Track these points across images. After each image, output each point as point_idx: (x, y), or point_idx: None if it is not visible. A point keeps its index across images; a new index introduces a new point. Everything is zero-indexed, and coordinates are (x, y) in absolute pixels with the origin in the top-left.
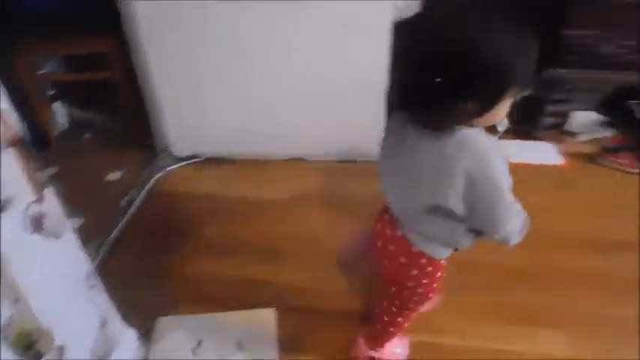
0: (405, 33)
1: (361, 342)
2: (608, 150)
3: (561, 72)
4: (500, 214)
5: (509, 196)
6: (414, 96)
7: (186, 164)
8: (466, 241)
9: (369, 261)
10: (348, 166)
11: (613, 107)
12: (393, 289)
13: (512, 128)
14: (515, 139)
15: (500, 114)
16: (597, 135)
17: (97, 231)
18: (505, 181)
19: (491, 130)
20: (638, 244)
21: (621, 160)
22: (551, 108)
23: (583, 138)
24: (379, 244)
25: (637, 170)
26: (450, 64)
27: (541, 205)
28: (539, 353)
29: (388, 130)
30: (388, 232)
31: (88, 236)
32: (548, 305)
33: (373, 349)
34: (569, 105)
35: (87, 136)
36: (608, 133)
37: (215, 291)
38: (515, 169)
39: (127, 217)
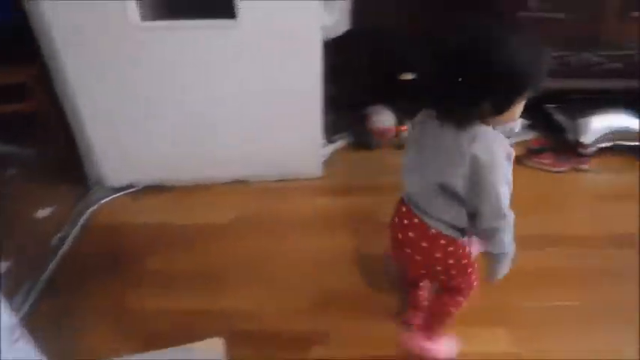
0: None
1: (415, 334)
2: (533, 151)
3: None
4: (497, 200)
5: (506, 195)
6: (437, 96)
7: (123, 194)
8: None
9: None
10: (288, 184)
11: (534, 111)
12: (422, 282)
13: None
14: None
15: (515, 115)
16: (523, 138)
17: (26, 274)
18: (503, 174)
19: (509, 130)
20: (569, 237)
21: (544, 161)
22: None
23: (510, 142)
24: (400, 236)
25: (558, 169)
26: (468, 68)
27: None
28: (481, 353)
29: (415, 123)
30: (406, 221)
31: (16, 281)
32: (488, 304)
33: (429, 338)
34: None
35: (10, 172)
36: (531, 136)
37: (160, 326)
38: None
39: (60, 255)
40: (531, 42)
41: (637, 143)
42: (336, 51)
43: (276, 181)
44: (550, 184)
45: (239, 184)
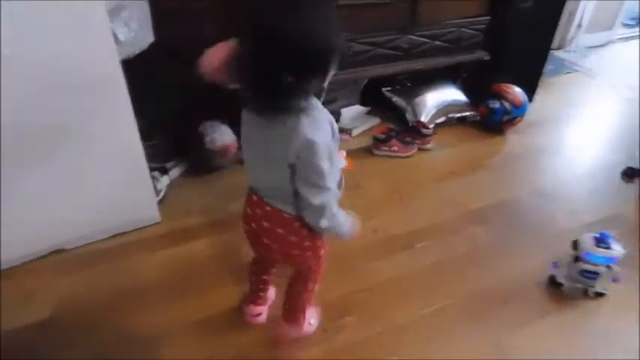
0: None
1: (281, 324)
2: (380, 140)
3: None
4: (319, 177)
5: (329, 171)
6: (249, 83)
7: None
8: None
9: None
10: (122, 241)
11: (372, 98)
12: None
13: None
14: None
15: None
16: (367, 126)
17: None
18: (326, 152)
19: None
20: (434, 228)
21: (393, 148)
22: None
23: (356, 132)
24: (254, 226)
25: (407, 154)
26: (267, 47)
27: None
28: None
29: (243, 122)
30: (259, 211)
31: None
32: (379, 336)
33: (293, 326)
34: (335, 104)
35: None
36: (375, 122)
37: None
38: None
39: None
40: (324, 18)
41: (466, 113)
42: (145, 68)
43: (106, 239)
44: (402, 170)
45: (55, 255)
